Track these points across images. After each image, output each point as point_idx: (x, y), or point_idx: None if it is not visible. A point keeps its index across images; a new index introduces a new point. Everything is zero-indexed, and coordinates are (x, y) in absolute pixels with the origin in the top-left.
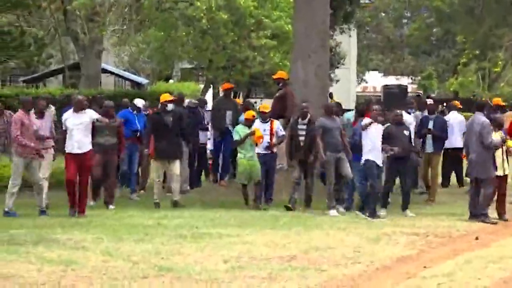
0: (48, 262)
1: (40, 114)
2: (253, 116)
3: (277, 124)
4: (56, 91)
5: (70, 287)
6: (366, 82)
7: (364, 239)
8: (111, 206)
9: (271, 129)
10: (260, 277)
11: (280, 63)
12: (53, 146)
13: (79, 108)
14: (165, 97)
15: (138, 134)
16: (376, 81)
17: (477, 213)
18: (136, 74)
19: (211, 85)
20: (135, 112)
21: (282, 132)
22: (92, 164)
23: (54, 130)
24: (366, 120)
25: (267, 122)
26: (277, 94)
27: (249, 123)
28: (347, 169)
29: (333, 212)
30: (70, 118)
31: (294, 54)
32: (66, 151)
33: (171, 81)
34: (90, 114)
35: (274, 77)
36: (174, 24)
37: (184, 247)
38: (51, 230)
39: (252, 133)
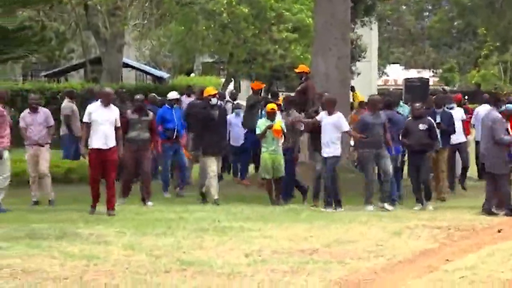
0: (70, 256)
1: (33, 110)
2: (273, 109)
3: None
4: (77, 86)
5: (93, 282)
6: (387, 75)
7: (386, 233)
8: (149, 203)
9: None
10: (282, 270)
11: (301, 56)
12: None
13: (108, 101)
14: (209, 90)
15: (176, 132)
16: (397, 74)
17: (488, 208)
18: (157, 68)
19: (232, 79)
20: (173, 106)
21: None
22: (117, 159)
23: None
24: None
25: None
26: (298, 88)
27: (271, 116)
28: (385, 166)
29: (369, 207)
30: (97, 111)
31: (315, 47)
32: (90, 147)
33: (192, 75)
34: (115, 110)
35: (297, 70)
36: (194, 18)
37: (206, 241)
38: (74, 225)
39: (270, 127)
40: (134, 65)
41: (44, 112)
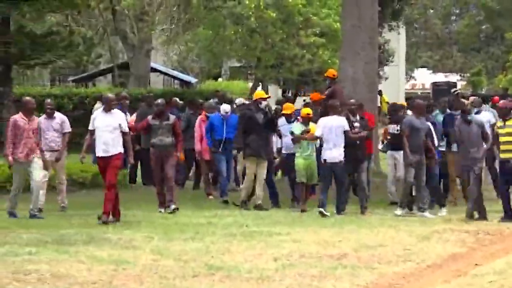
0: (98, 261)
1: (48, 115)
2: (309, 114)
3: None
4: (105, 90)
5: (121, 286)
6: (415, 79)
7: (415, 237)
8: (172, 206)
9: None
10: (310, 275)
11: (329, 61)
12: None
13: (109, 107)
14: (259, 94)
15: (223, 143)
16: (425, 78)
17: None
18: (184, 73)
19: (260, 84)
20: (225, 114)
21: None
22: (119, 165)
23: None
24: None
25: (292, 122)
26: (326, 92)
27: (305, 120)
28: (420, 173)
29: (427, 213)
30: (99, 118)
31: (342, 51)
32: (96, 154)
33: (220, 79)
34: (119, 116)
35: (326, 75)
36: (222, 23)
37: (234, 245)
38: (102, 230)
39: (308, 131)
40: (162, 70)
41: (60, 118)
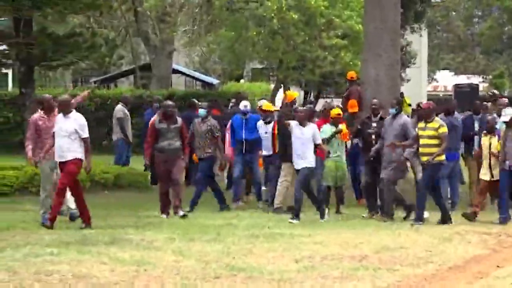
0: (120, 262)
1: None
2: (339, 114)
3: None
4: (127, 92)
5: (143, 287)
6: (437, 82)
7: (436, 239)
8: (180, 212)
9: (274, 129)
10: (332, 276)
11: (351, 63)
12: None
13: (63, 110)
14: (293, 94)
15: (245, 145)
16: (447, 80)
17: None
18: (206, 74)
19: (282, 85)
20: (245, 116)
21: None
22: (74, 171)
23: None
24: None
25: (269, 122)
26: (344, 94)
27: (336, 121)
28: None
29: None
30: (58, 122)
31: (364, 53)
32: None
33: (242, 81)
34: (76, 119)
35: (348, 77)
36: (244, 24)
37: (255, 247)
38: (124, 231)
39: (339, 131)
40: (184, 71)
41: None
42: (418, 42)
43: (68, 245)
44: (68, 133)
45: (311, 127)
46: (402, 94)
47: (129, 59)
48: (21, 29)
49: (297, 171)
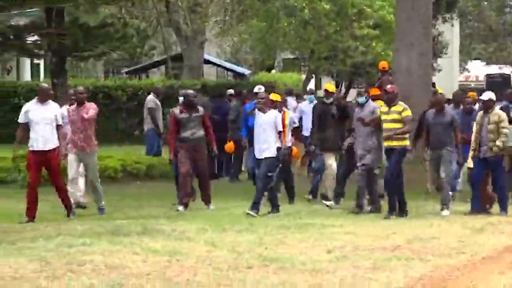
0: (153, 252)
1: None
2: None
3: (290, 115)
4: (158, 82)
5: (175, 278)
6: (469, 72)
7: (468, 229)
8: (211, 206)
9: (283, 120)
10: (364, 267)
11: (383, 53)
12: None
13: (43, 98)
14: (329, 87)
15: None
16: (478, 70)
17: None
18: (238, 65)
19: (313, 76)
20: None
21: (296, 124)
22: (59, 162)
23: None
24: None
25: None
26: (376, 85)
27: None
28: (443, 170)
29: (445, 212)
30: (32, 110)
31: (396, 43)
32: (29, 149)
33: (273, 71)
34: (55, 107)
35: (379, 67)
36: (276, 15)
37: (288, 237)
38: (156, 221)
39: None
40: (215, 62)
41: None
42: (450, 32)
43: (100, 235)
44: (50, 121)
45: (272, 113)
46: (434, 84)
47: (161, 50)
48: (53, 19)
49: (259, 160)
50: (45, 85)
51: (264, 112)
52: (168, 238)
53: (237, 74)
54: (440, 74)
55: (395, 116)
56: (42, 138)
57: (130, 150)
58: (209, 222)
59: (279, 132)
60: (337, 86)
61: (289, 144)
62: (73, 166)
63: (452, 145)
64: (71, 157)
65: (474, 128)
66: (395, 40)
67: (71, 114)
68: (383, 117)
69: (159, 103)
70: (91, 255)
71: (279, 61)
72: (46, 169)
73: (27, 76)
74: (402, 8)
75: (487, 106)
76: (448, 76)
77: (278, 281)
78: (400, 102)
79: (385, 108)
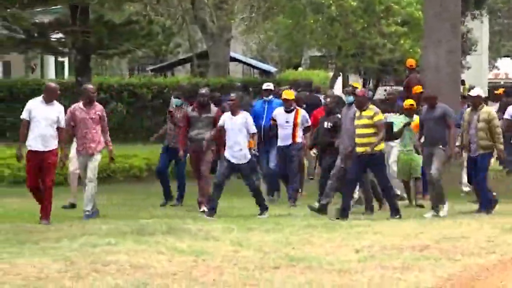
0: (178, 252)
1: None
2: (412, 105)
3: (302, 114)
4: (184, 80)
5: (201, 278)
6: (498, 69)
7: (498, 229)
8: (203, 208)
9: (295, 119)
10: (392, 267)
11: (411, 50)
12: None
13: (49, 97)
14: (357, 84)
15: (263, 133)
16: (508, 67)
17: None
18: (264, 62)
19: (341, 73)
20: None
21: (308, 123)
22: (56, 162)
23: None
24: None
25: (291, 111)
26: (404, 83)
27: (408, 112)
28: (432, 168)
29: (428, 214)
30: (37, 108)
31: (425, 40)
32: (28, 148)
33: (300, 69)
34: (59, 109)
35: (407, 65)
36: (302, 11)
37: (314, 237)
38: (182, 220)
39: (409, 123)
40: (241, 59)
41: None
42: (479, 28)
43: (125, 235)
44: (52, 122)
45: (243, 115)
46: (463, 81)
47: (186, 47)
48: (77, 17)
49: (230, 164)
50: (53, 84)
51: (234, 114)
52: (194, 237)
53: (263, 72)
54: (469, 71)
55: (366, 121)
56: (42, 138)
57: (155, 148)
58: (235, 221)
59: (252, 135)
60: (364, 84)
61: (300, 141)
62: (73, 163)
63: (445, 142)
64: (73, 154)
65: (463, 126)
66: (423, 37)
67: (78, 113)
68: (355, 122)
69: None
70: (116, 255)
71: (305, 58)
72: (41, 169)
73: (51, 74)
74: (430, 4)
75: (476, 103)
76: (478, 74)
77: (305, 281)
78: (371, 106)
79: (357, 113)
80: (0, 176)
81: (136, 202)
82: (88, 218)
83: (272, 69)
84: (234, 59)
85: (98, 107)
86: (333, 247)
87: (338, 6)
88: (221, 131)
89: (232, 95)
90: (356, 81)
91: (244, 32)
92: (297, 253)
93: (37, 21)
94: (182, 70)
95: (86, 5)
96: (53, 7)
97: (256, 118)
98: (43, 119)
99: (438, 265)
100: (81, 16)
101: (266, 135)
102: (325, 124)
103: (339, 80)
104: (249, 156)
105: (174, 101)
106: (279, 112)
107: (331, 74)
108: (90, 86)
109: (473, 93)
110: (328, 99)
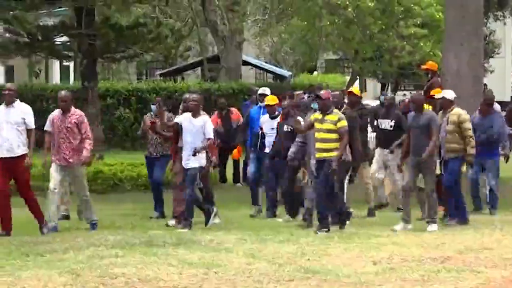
0: (189, 264)
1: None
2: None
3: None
4: (194, 85)
5: None
6: None
7: None
8: (171, 222)
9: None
10: (412, 279)
11: (431, 53)
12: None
13: (8, 100)
14: (356, 90)
15: (260, 140)
16: None
17: None
18: (278, 66)
19: (358, 77)
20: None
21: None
22: (28, 169)
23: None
24: None
25: (275, 117)
26: (425, 87)
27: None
28: (424, 178)
29: (431, 227)
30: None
31: (445, 42)
32: None
33: (315, 73)
34: (22, 110)
35: (423, 67)
36: (318, 13)
37: (330, 248)
38: (191, 231)
39: None
40: (254, 63)
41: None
42: (502, 30)
43: (133, 247)
44: (16, 124)
45: (202, 118)
46: (485, 85)
47: (196, 51)
48: (83, 19)
49: (186, 170)
50: (9, 84)
51: (195, 116)
52: (205, 249)
53: (277, 76)
54: (492, 75)
55: (330, 126)
56: (7, 144)
57: None
58: (247, 232)
59: (208, 139)
60: (382, 88)
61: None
62: (53, 177)
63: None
64: (53, 168)
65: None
66: (444, 40)
67: (56, 120)
68: (317, 125)
69: None
70: (124, 268)
71: (321, 62)
72: (14, 179)
73: (56, 79)
74: (451, 5)
75: (445, 105)
76: (501, 78)
77: None
78: (336, 110)
79: (318, 116)
80: None
81: (144, 213)
82: (95, 229)
83: (286, 73)
84: (246, 63)
85: (75, 114)
86: (350, 258)
87: (355, 8)
88: (176, 127)
89: (194, 95)
90: (373, 85)
91: (257, 35)
92: (312, 265)
93: (41, 23)
94: (193, 75)
95: (91, 7)
96: (57, 9)
97: (252, 124)
98: (4, 123)
99: (460, 277)
100: (87, 19)
101: (261, 142)
102: (285, 128)
103: (356, 84)
104: (203, 162)
105: (153, 108)
106: (265, 120)
107: (347, 78)
108: (62, 92)
109: (440, 95)
110: (286, 102)
